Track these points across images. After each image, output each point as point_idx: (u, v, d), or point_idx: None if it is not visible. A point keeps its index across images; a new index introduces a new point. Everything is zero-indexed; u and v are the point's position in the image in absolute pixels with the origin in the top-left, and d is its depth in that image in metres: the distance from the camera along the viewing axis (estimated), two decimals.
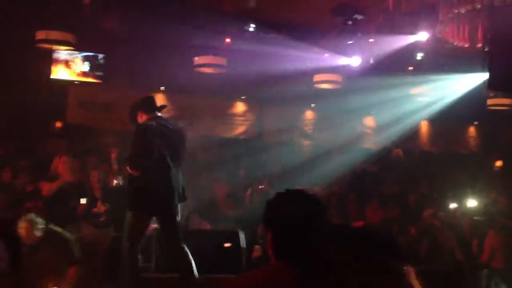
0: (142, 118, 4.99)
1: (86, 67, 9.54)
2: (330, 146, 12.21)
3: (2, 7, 7.47)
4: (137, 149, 4.61)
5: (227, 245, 5.30)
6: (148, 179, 4.60)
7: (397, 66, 10.24)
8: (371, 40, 9.30)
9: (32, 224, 4.88)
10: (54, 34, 8.13)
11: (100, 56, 9.61)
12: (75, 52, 9.18)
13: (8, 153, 8.78)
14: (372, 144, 12.97)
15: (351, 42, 9.07)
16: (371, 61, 9.80)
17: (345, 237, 1.48)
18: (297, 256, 1.92)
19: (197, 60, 9.46)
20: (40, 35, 8.08)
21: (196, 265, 4.72)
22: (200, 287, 4.69)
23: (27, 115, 9.54)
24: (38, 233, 4.89)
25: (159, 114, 5.08)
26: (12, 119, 9.56)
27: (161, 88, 11.18)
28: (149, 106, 5.08)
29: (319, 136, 12.56)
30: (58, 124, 10.55)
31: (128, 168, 4.74)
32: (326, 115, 12.29)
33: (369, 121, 12.93)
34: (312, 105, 12.48)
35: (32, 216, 4.97)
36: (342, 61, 9.95)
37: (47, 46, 8.46)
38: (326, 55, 10.17)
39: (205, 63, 9.41)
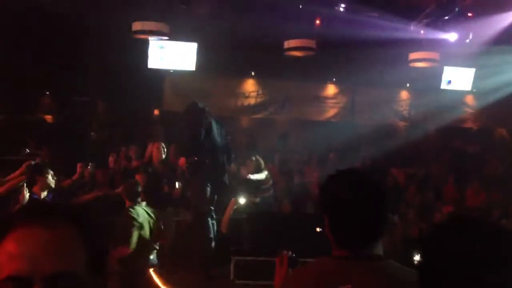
0: None
1: (180, 56, 9.82)
2: (427, 126, 11.78)
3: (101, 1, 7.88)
4: None
5: (319, 229, 5.28)
6: None
7: (499, 40, 9.60)
8: (469, 14, 8.79)
9: None
10: (149, 25, 8.43)
11: (193, 44, 9.85)
12: (169, 41, 9.47)
13: (110, 140, 9.31)
14: (472, 123, 12.34)
15: (447, 17, 8.62)
16: (470, 37, 9.26)
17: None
18: (361, 244, 1.82)
19: (287, 43, 9.41)
20: (136, 26, 8.41)
21: (290, 248, 4.77)
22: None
23: (127, 103, 10.05)
24: None
25: None
26: (113, 107, 10.11)
27: (252, 73, 11.30)
28: None
29: (415, 117, 12.13)
30: (155, 112, 11.00)
31: None
32: (422, 95, 11.82)
33: (469, 100, 12.28)
34: (407, 84, 12.05)
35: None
36: (439, 36, 9.50)
37: (143, 36, 8.80)
38: (422, 31, 9.76)
39: (295, 46, 9.33)
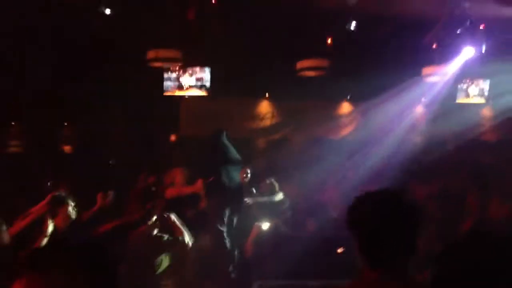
0: None
1: (194, 81, 9.93)
2: (445, 140, 11.68)
3: (109, 29, 8.03)
4: None
5: (340, 250, 5.26)
6: None
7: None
8: (482, 26, 8.77)
9: None
10: (163, 53, 8.56)
11: (206, 69, 9.96)
12: (183, 67, 9.59)
13: (130, 167, 9.39)
14: (491, 135, 12.21)
15: (459, 31, 8.61)
16: (483, 49, 9.22)
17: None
18: (393, 264, 1.80)
19: (300, 64, 9.48)
20: (151, 54, 8.55)
21: (310, 269, 4.78)
22: None
23: (145, 129, 10.18)
24: None
25: None
26: (131, 133, 10.23)
27: (266, 94, 11.37)
28: None
29: (432, 131, 12.05)
30: (173, 137, 11.09)
31: None
32: (438, 109, 11.75)
33: (486, 111, 12.18)
34: (423, 99, 12.00)
35: None
36: (452, 50, 9.48)
37: (157, 64, 8.93)
38: (434, 46, 9.75)
39: (307, 67, 9.39)
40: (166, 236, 5.34)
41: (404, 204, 1.85)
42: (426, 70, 9.98)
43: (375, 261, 1.83)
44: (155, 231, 5.33)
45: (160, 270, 4.91)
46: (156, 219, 5.35)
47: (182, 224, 5.52)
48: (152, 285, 5.02)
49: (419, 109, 12.24)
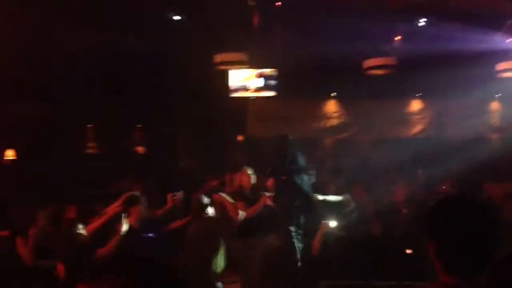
0: None
1: (261, 82, 10.04)
2: None
3: (187, 34, 8.27)
4: None
5: (409, 251, 5.18)
6: None
7: None
8: None
9: None
10: (229, 56, 8.73)
11: (273, 71, 10.04)
12: (250, 69, 9.72)
13: (197, 166, 9.62)
14: None
15: None
16: None
17: None
18: (473, 270, 1.77)
19: (367, 62, 9.36)
20: (217, 58, 8.73)
21: (378, 271, 4.74)
22: None
23: (212, 130, 10.40)
24: None
25: None
26: (199, 136, 10.48)
27: (332, 94, 11.30)
28: None
29: (508, 128, 11.55)
30: (240, 138, 11.26)
31: None
32: None
33: None
34: (497, 95, 11.54)
35: None
36: None
37: (224, 67, 9.11)
38: (509, 40, 9.37)
39: (375, 65, 9.27)
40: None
41: (484, 210, 1.82)
42: (500, 66, 9.60)
43: (453, 267, 1.79)
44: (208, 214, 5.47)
45: (218, 269, 5.02)
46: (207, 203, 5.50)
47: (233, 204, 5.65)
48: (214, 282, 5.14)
49: (494, 106, 11.77)
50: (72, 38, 8.17)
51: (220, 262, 5.10)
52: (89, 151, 10.47)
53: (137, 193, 5.93)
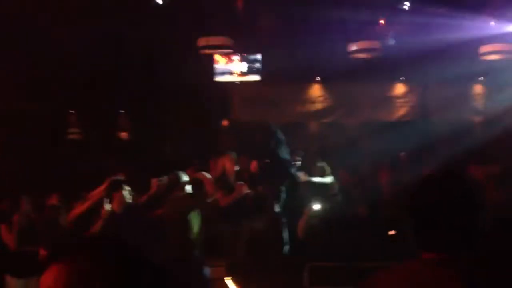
0: None
1: (245, 67, 10.00)
2: (505, 120, 11.25)
3: (171, 18, 8.17)
4: None
5: (392, 232, 5.22)
6: None
7: None
8: None
9: None
10: (213, 40, 8.65)
11: (257, 55, 10.00)
12: (234, 54, 9.67)
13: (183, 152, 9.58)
14: None
15: None
16: None
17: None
18: (453, 247, 1.79)
19: (352, 46, 9.34)
20: (202, 42, 8.65)
21: (362, 253, 4.79)
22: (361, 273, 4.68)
23: (198, 115, 10.35)
24: None
25: None
26: (184, 122, 10.42)
27: (317, 78, 11.29)
28: None
29: (492, 112, 11.63)
30: (225, 122, 11.21)
31: None
32: (498, 88, 11.32)
33: None
34: (480, 78, 11.60)
35: None
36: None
37: (208, 51, 9.03)
38: (492, 23, 9.40)
39: (360, 49, 9.25)
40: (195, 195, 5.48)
41: (465, 187, 1.81)
42: (484, 48, 9.63)
43: (431, 245, 1.78)
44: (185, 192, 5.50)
45: (195, 229, 5.10)
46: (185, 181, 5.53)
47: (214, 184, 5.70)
48: (201, 263, 5.16)
49: (478, 88, 11.84)
50: (54, 22, 8.04)
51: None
52: (72, 137, 10.37)
53: (120, 178, 5.90)
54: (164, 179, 6.67)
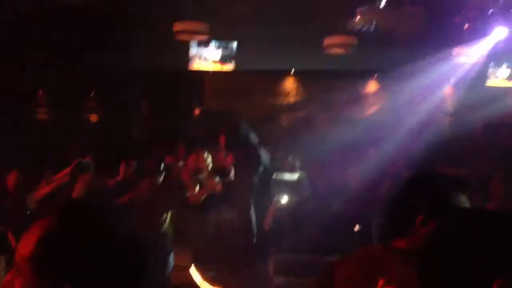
0: None
1: (218, 55, 9.91)
2: (473, 122, 11.49)
3: (139, 3, 8.04)
4: None
5: (356, 228, 5.29)
6: None
7: None
8: None
9: None
10: (189, 25, 8.54)
11: (233, 42, 9.91)
12: (209, 41, 9.57)
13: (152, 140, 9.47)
14: None
15: (491, 11, 8.40)
16: None
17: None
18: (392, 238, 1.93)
19: (327, 40, 9.36)
20: (177, 26, 8.53)
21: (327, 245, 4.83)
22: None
23: (169, 101, 10.24)
24: None
25: None
26: (155, 108, 10.31)
27: (291, 71, 11.30)
28: None
29: (460, 112, 11.85)
30: (196, 111, 11.15)
31: None
32: (467, 90, 11.54)
33: None
34: (451, 80, 11.79)
35: None
36: (484, 30, 9.24)
37: (184, 36, 8.91)
38: (466, 25, 9.54)
39: (335, 43, 9.27)
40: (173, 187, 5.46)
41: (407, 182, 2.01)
42: (456, 50, 9.78)
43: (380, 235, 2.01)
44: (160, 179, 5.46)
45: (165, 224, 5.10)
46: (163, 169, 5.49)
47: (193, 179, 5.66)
48: (165, 253, 5.13)
49: (448, 90, 12.03)
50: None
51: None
52: (40, 117, 10.16)
53: (87, 161, 5.81)
54: (132, 165, 6.60)
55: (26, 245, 1.12)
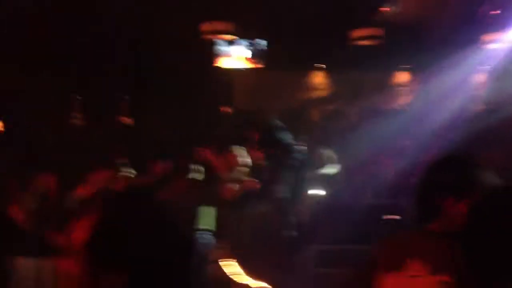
0: None
1: (249, 53, 9.95)
2: (508, 110, 11.24)
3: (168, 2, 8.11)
4: None
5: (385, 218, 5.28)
6: None
7: None
8: None
9: None
10: (216, 25, 8.60)
11: (262, 42, 9.95)
12: (238, 40, 9.62)
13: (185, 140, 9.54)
14: None
15: None
16: None
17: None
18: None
19: (354, 33, 9.32)
20: (204, 27, 8.60)
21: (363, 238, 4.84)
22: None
23: (199, 103, 10.30)
24: None
25: None
26: (182, 109, 10.39)
27: (322, 66, 11.26)
28: None
29: (494, 101, 11.60)
30: (226, 110, 11.18)
31: None
32: (501, 77, 11.29)
33: None
34: (485, 67, 11.57)
35: None
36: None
37: (211, 36, 8.98)
38: (494, 12, 9.38)
39: (362, 36, 9.23)
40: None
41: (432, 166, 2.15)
42: (485, 37, 9.61)
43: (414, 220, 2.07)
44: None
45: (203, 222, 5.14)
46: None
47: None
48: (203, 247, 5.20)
49: (480, 78, 11.80)
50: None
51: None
52: (74, 121, 10.34)
53: (124, 162, 5.92)
54: (168, 164, 6.68)
55: (82, 233, 1.14)
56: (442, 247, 1.86)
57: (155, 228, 1.14)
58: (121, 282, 1.07)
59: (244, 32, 9.36)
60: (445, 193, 1.94)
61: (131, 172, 5.55)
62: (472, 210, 1.46)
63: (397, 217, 5.39)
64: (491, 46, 9.80)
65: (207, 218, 5.46)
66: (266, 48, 9.92)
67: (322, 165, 7.11)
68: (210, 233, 5.51)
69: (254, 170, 6.55)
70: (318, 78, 11.46)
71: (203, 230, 5.44)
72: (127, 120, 10.71)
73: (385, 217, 5.38)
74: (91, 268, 1.10)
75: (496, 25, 9.41)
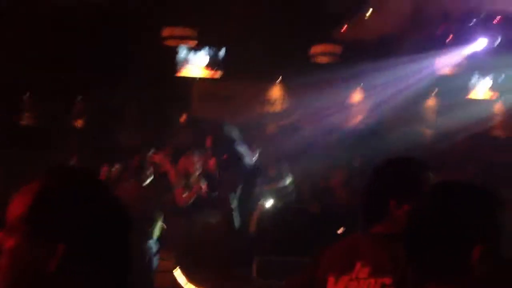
0: None
1: (206, 61, 9.95)
2: (454, 135, 11.62)
3: (127, 9, 8.07)
4: None
5: (340, 231, 5.36)
6: None
7: None
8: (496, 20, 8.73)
9: None
10: (178, 30, 8.59)
11: (221, 50, 9.97)
12: (197, 47, 9.62)
13: (139, 144, 9.44)
14: (501, 131, 12.13)
15: (472, 24, 8.59)
16: (497, 42, 9.16)
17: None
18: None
19: (313, 49, 9.47)
20: (165, 32, 8.58)
21: (311, 248, 4.87)
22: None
23: (155, 107, 10.24)
24: None
25: None
26: (150, 114, 10.31)
27: (278, 79, 11.37)
28: None
29: (442, 125, 11.98)
30: (183, 118, 11.14)
31: None
32: (449, 102, 11.69)
33: (498, 107, 12.09)
34: (434, 92, 11.96)
35: None
36: (467, 47, 9.42)
37: (172, 42, 8.95)
38: (448, 39, 9.72)
39: (320, 52, 9.39)
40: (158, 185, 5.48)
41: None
42: (439, 62, 9.95)
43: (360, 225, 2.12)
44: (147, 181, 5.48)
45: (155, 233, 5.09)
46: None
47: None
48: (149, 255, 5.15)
49: (430, 101, 12.18)
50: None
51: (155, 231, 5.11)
52: (24, 122, 10.08)
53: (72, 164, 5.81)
54: (116, 168, 6.59)
55: (18, 206, 1.12)
56: (386, 250, 1.90)
57: (94, 200, 1.16)
58: (57, 252, 1.08)
59: (205, 39, 9.36)
60: (387, 195, 1.98)
61: None
62: (411, 211, 1.49)
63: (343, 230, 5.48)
64: (444, 71, 10.14)
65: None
66: (225, 57, 9.95)
67: (274, 177, 7.20)
68: (154, 240, 5.46)
69: (206, 178, 6.56)
70: (276, 92, 11.57)
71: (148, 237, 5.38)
72: (80, 123, 10.53)
73: (340, 230, 5.45)
74: (27, 239, 1.09)
75: (450, 50, 9.74)
